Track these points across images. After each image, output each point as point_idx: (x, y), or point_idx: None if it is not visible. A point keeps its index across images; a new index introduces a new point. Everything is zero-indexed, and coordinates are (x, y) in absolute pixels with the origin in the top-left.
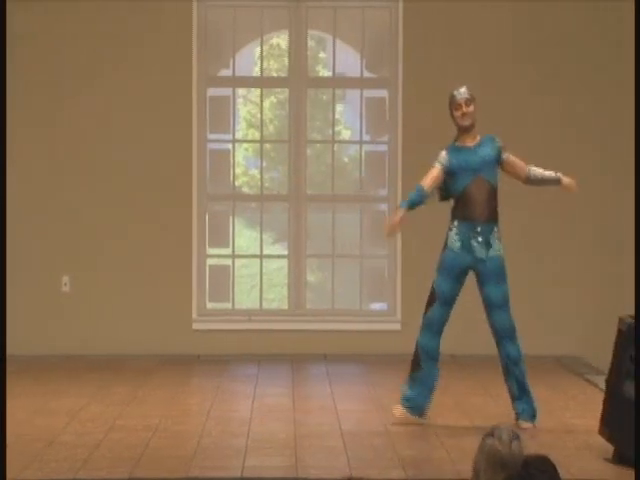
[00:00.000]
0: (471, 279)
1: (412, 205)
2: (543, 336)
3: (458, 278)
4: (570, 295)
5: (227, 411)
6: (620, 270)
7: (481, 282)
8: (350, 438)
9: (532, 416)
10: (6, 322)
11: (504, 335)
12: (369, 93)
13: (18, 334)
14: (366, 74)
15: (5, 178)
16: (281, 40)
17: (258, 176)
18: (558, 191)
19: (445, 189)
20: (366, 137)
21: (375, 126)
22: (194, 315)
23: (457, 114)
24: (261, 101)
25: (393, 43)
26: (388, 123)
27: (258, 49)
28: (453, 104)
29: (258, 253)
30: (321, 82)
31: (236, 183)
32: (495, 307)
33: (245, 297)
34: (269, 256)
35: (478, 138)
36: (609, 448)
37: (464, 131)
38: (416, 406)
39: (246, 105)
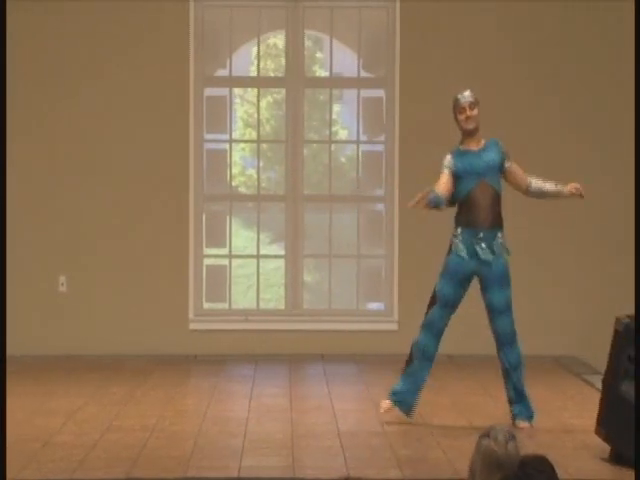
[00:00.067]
0: (473, 283)
1: (437, 199)
2: (541, 336)
3: (461, 283)
4: (568, 295)
5: (224, 411)
6: (618, 270)
7: (485, 286)
8: (347, 438)
9: (529, 417)
10: (6, 322)
11: (504, 341)
12: (366, 93)
13: (14, 334)
14: (363, 74)
15: (5, 178)
16: (278, 40)
17: (255, 176)
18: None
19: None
20: (363, 137)
21: (372, 126)
22: (191, 315)
23: (461, 118)
24: (258, 101)
25: (390, 43)
26: (385, 123)
27: (255, 49)
28: (457, 108)
29: (255, 253)
30: (318, 82)
31: (233, 183)
32: (498, 312)
33: (242, 297)
34: (266, 256)
35: (482, 142)
36: (606, 448)
37: (468, 135)
38: (403, 401)
39: (243, 105)
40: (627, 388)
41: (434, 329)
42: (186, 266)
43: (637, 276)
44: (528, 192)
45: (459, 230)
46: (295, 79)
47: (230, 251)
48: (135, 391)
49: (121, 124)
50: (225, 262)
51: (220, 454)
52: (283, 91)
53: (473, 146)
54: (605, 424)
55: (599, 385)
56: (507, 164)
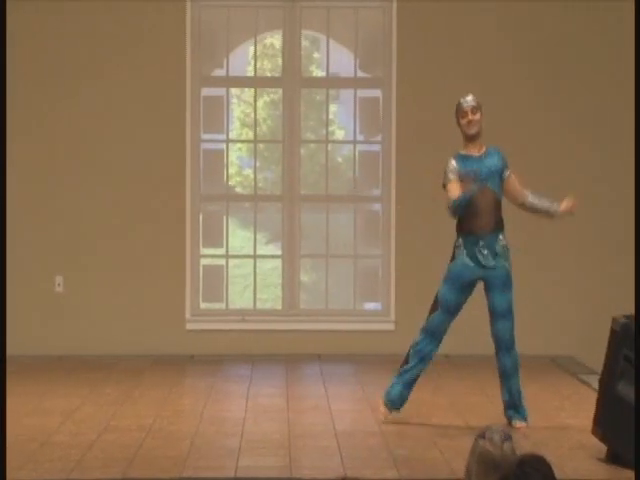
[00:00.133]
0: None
1: (466, 199)
2: (538, 336)
3: (464, 289)
4: (568, 295)
5: (221, 411)
6: (618, 270)
7: (487, 289)
8: (344, 438)
9: (524, 418)
10: (6, 323)
11: (502, 346)
12: (363, 93)
13: (10, 334)
14: (360, 74)
15: (5, 178)
16: (275, 40)
17: (252, 176)
18: (558, 192)
19: None
20: (360, 137)
21: (369, 126)
22: (188, 315)
23: (463, 122)
24: (255, 101)
25: (387, 43)
26: (382, 123)
27: (252, 49)
28: (459, 112)
29: (252, 253)
30: (315, 82)
31: (230, 183)
32: (499, 316)
33: (239, 297)
34: (263, 256)
35: (484, 148)
36: (603, 448)
37: (470, 139)
38: (393, 400)
39: (240, 105)
40: (624, 388)
41: (434, 334)
42: (183, 266)
43: (637, 276)
44: (522, 206)
45: (461, 240)
46: (292, 79)
47: (227, 251)
48: (132, 391)
49: (118, 124)
50: (222, 262)
51: (217, 454)
52: (280, 91)
53: (475, 151)
54: (602, 424)
55: (596, 385)
56: (506, 172)
